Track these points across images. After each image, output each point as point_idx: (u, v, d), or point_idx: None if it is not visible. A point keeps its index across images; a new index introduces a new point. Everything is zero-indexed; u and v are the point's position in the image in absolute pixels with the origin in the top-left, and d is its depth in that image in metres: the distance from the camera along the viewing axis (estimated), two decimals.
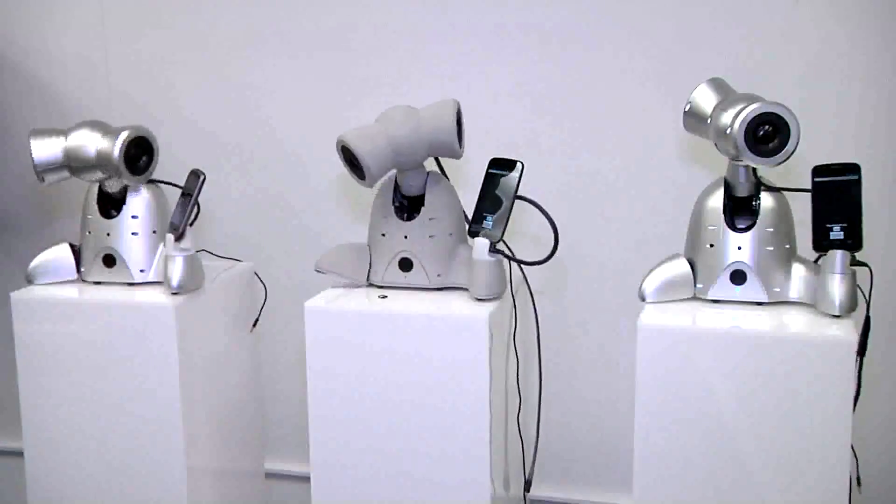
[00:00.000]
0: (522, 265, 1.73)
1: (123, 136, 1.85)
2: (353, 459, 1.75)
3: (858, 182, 1.56)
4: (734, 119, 1.56)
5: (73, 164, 1.89)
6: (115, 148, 1.84)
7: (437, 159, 1.82)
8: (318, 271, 1.83)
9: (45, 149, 1.89)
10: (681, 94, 1.71)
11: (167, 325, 1.82)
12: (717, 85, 1.70)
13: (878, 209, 1.92)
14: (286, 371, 2.35)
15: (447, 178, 1.83)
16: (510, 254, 1.73)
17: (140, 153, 1.89)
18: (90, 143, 1.88)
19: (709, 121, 1.66)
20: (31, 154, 1.88)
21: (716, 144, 1.65)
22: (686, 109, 1.71)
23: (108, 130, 1.90)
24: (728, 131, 1.57)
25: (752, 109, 1.55)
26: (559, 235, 1.66)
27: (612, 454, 2.22)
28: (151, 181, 1.95)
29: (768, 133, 1.56)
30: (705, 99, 1.68)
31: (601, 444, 2.24)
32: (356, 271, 1.83)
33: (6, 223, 2.54)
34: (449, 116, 1.73)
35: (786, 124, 1.55)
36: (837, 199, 1.57)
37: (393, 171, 1.81)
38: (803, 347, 1.52)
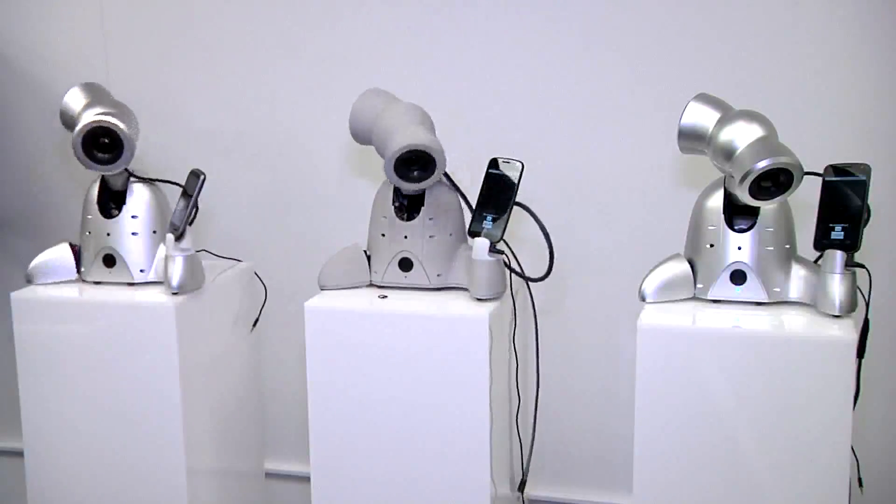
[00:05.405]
0: (521, 273, 1.74)
1: (82, 126, 1.83)
2: (353, 459, 1.76)
3: (864, 184, 1.56)
4: (741, 178, 1.54)
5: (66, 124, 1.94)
6: (74, 135, 1.84)
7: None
8: (323, 289, 1.83)
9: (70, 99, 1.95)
10: (681, 94, 1.71)
11: (167, 325, 1.82)
12: (706, 103, 1.67)
13: (878, 209, 1.92)
14: (286, 371, 2.35)
15: (456, 186, 1.82)
16: (518, 269, 1.75)
17: (106, 144, 1.85)
18: (75, 112, 1.92)
19: (707, 144, 1.64)
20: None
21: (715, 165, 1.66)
22: (679, 132, 1.68)
23: (90, 105, 1.91)
24: (732, 177, 1.57)
25: (759, 168, 1.52)
26: (554, 251, 1.66)
27: (611, 454, 2.22)
28: (150, 180, 1.96)
29: (770, 187, 1.56)
30: (699, 118, 1.66)
31: (601, 444, 2.23)
32: (358, 278, 1.84)
33: (6, 223, 2.54)
34: (394, 150, 1.70)
35: (789, 173, 1.54)
36: (843, 199, 1.56)
37: None
38: (803, 347, 1.52)
